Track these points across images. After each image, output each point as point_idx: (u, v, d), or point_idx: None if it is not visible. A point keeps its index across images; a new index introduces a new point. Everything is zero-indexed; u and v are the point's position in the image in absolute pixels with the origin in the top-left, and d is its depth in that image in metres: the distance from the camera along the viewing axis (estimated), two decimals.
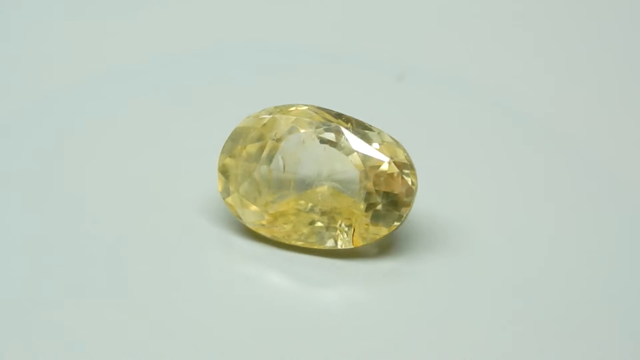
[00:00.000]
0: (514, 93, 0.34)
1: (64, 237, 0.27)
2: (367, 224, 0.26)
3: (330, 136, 0.26)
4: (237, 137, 0.27)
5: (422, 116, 0.33)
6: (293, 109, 0.27)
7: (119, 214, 0.28)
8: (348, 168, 0.26)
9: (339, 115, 0.27)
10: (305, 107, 0.27)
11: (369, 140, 0.26)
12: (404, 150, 0.26)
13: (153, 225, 0.28)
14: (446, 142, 0.31)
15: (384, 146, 0.26)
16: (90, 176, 0.29)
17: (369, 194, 0.26)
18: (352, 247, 0.27)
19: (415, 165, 0.27)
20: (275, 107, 0.27)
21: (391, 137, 0.26)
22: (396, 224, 0.26)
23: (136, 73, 0.34)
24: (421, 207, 0.28)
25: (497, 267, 0.27)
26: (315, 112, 0.27)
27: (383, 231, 0.26)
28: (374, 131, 0.26)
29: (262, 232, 0.27)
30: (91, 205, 0.28)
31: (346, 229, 0.26)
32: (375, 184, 0.26)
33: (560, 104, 0.34)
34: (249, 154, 0.27)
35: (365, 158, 0.26)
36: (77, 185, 0.29)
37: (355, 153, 0.26)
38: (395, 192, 0.26)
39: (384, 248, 0.27)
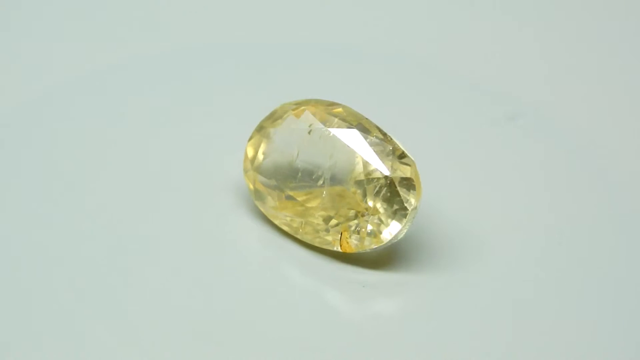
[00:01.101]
0: (525, 97, 0.34)
1: (86, 214, 0.28)
2: (359, 233, 0.26)
3: (347, 138, 0.26)
4: (272, 119, 0.27)
5: (436, 123, 0.33)
6: (328, 105, 0.27)
7: (138, 191, 0.29)
8: (352, 173, 0.26)
9: (365, 121, 0.27)
10: (337, 106, 0.27)
11: (381, 151, 0.26)
12: (413, 167, 0.26)
13: (171, 200, 0.29)
14: (456, 150, 0.31)
15: (394, 160, 0.26)
16: (113, 158, 0.30)
17: (364, 203, 0.26)
18: (347, 252, 0.27)
19: (426, 180, 0.27)
20: (315, 100, 0.27)
21: (407, 153, 0.26)
22: (388, 238, 0.26)
23: (170, 62, 0.35)
24: (432, 218, 0.28)
25: (496, 281, 0.27)
26: (344, 112, 0.27)
27: (377, 242, 0.26)
28: (390, 143, 0.26)
29: (276, 221, 0.27)
30: (111, 186, 0.29)
31: (340, 234, 0.27)
32: (370, 195, 0.26)
33: (571, 107, 0.33)
34: (275, 137, 0.27)
35: (368, 167, 0.26)
36: (101, 165, 0.30)
37: (361, 160, 0.26)
38: (392, 207, 0.26)
39: (387, 256, 0.27)
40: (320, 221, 0.27)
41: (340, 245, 0.27)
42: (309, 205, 0.27)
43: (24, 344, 0.25)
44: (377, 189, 0.26)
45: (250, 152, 0.28)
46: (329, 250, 0.27)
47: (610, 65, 0.35)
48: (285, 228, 0.27)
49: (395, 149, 0.26)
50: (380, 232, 0.26)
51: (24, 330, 0.25)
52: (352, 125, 0.27)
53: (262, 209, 0.28)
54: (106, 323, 0.25)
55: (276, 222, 0.27)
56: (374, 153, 0.26)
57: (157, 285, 0.26)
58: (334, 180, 0.26)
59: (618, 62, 0.36)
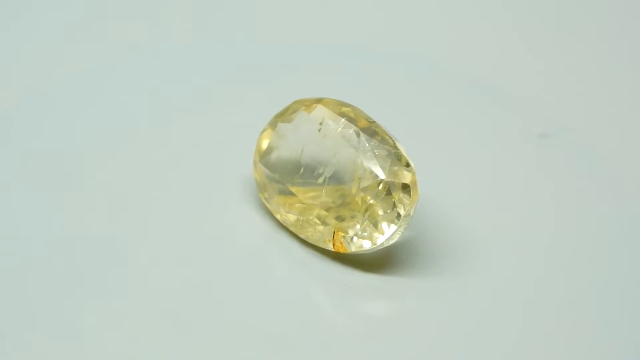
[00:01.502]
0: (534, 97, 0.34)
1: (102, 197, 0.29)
2: (353, 234, 0.27)
3: (352, 139, 0.26)
4: (285, 114, 0.28)
5: (436, 122, 0.33)
6: (341, 105, 0.27)
7: (142, 184, 0.29)
8: (352, 174, 0.26)
9: (373, 124, 0.27)
10: (348, 106, 0.27)
11: (383, 155, 0.26)
12: (412, 174, 0.26)
13: (177, 192, 0.29)
14: (456, 150, 0.31)
15: (394, 165, 0.26)
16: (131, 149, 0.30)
17: (360, 205, 0.26)
18: (340, 252, 0.27)
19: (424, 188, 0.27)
20: (329, 99, 0.27)
21: (409, 159, 0.26)
22: (380, 242, 0.26)
23: (185, 57, 0.35)
24: (430, 220, 0.28)
25: (487, 288, 0.27)
26: (354, 113, 0.27)
27: (369, 245, 0.26)
28: (391, 148, 0.26)
29: (277, 216, 0.28)
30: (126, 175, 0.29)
31: (333, 233, 0.27)
32: (366, 198, 0.26)
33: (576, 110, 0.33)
34: (285, 131, 0.27)
35: (367, 170, 0.26)
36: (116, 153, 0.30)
37: (361, 162, 0.26)
38: (386, 211, 0.26)
39: (385, 258, 0.27)
40: (316, 219, 0.27)
41: (333, 245, 0.27)
42: (307, 202, 0.27)
43: (21, 339, 0.25)
44: (373, 192, 0.26)
45: (260, 145, 0.28)
46: (328, 249, 0.27)
47: (610, 64, 0.35)
48: (285, 223, 0.27)
49: (397, 154, 0.26)
50: (373, 235, 0.26)
51: (22, 323, 0.25)
52: (359, 126, 0.27)
53: (265, 203, 0.28)
54: (100, 314, 0.26)
55: (277, 216, 0.28)
56: (375, 157, 0.26)
57: (151, 281, 0.26)
58: (334, 179, 0.26)
59: (619, 62, 0.35)
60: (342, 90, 0.30)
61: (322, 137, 0.27)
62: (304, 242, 0.27)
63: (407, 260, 0.27)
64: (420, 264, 0.27)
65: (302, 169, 0.27)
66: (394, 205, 0.26)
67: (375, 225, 0.26)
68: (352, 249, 0.26)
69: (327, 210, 0.27)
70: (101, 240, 0.27)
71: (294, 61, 0.35)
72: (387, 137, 0.26)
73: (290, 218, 0.27)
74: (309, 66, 0.35)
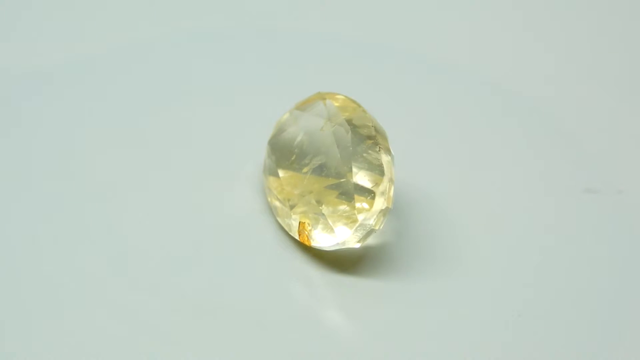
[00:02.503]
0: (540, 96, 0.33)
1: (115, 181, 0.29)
2: (318, 228, 0.27)
3: (343, 139, 0.27)
4: (303, 102, 0.28)
5: (436, 121, 0.32)
6: (352, 104, 0.27)
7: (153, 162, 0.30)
8: (333, 172, 0.27)
9: (372, 129, 0.27)
10: (357, 107, 0.27)
11: (367, 161, 0.26)
12: (386, 183, 0.26)
13: (186, 168, 0.29)
14: (457, 151, 0.31)
15: (373, 171, 0.26)
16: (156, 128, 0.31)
17: (331, 203, 0.26)
18: (304, 243, 0.27)
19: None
20: (346, 97, 0.28)
21: (391, 169, 0.26)
22: (335, 242, 0.26)
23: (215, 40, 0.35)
24: (423, 222, 0.28)
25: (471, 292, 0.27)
26: (359, 114, 0.27)
27: (327, 243, 0.27)
28: (375, 154, 0.26)
29: (268, 198, 0.28)
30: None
31: (297, 224, 0.27)
32: (338, 197, 0.26)
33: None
34: (296, 117, 0.28)
35: (344, 170, 0.26)
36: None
37: (342, 162, 0.26)
38: (349, 214, 0.26)
39: (367, 260, 0.27)
40: (289, 207, 0.27)
41: (299, 234, 0.27)
42: (288, 188, 0.27)
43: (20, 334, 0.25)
44: (341, 192, 0.26)
45: (275, 127, 0.28)
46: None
47: (609, 62, 0.35)
48: (271, 208, 0.28)
49: (377, 162, 0.26)
50: (334, 234, 0.26)
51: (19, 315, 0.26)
52: (355, 127, 0.27)
53: (264, 184, 0.28)
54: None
55: (268, 199, 0.28)
56: (356, 159, 0.26)
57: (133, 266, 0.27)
58: (317, 172, 0.27)
59: (614, 53, 0.35)
60: (350, 89, 0.30)
61: (319, 130, 0.27)
62: (281, 228, 0.28)
63: (397, 263, 0.27)
64: (413, 267, 0.27)
65: (294, 156, 0.27)
66: (356, 210, 0.26)
67: (336, 225, 0.26)
68: (314, 243, 0.27)
69: (301, 199, 0.27)
70: (89, 225, 0.28)
71: (318, 55, 0.35)
72: (378, 143, 0.27)
73: (274, 202, 0.28)
74: (330, 62, 0.35)
